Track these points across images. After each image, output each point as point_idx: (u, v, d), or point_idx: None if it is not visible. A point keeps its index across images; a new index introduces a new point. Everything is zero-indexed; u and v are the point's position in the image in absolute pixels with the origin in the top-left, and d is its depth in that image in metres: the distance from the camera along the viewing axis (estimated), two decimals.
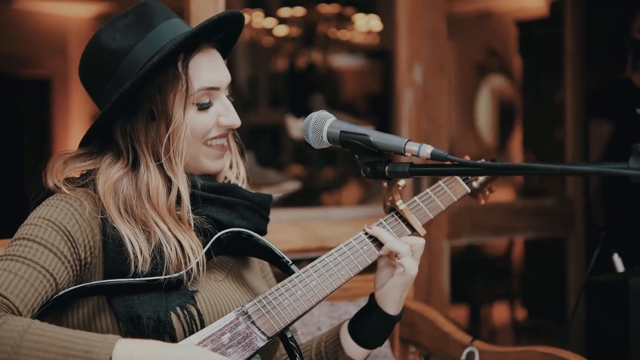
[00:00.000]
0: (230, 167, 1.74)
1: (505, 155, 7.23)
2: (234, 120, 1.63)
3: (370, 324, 1.67)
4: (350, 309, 2.35)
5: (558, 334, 4.65)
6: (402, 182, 1.64)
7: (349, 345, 1.69)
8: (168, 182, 1.57)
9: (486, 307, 5.85)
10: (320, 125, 1.55)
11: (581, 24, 3.95)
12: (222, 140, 1.65)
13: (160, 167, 1.57)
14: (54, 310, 1.47)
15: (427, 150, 1.44)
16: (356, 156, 1.55)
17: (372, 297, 1.67)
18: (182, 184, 1.56)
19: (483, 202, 1.86)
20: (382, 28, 6.33)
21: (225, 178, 1.73)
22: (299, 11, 6.01)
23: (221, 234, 1.58)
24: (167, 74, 1.56)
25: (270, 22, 6.11)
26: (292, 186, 4.60)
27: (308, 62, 6.63)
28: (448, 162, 1.44)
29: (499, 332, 5.80)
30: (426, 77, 3.15)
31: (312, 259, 1.62)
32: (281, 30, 6.24)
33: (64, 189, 1.54)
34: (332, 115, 1.57)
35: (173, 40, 1.54)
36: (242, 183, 1.73)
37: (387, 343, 2.38)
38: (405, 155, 1.48)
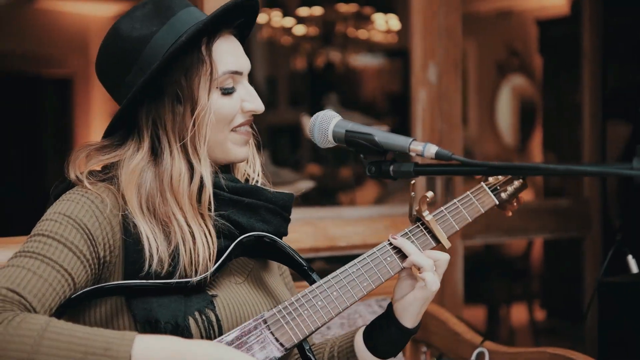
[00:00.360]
0: (247, 161, 1.73)
1: (525, 155, 7.19)
2: (258, 105, 1.63)
3: (386, 335, 1.64)
4: (360, 308, 2.35)
5: (575, 334, 4.62)
6: (430, 194, 1.64)
7: (363, 354, 1.67)
8: (191, 170, 1.55)
9: (504, 308, 5.83)
10: (325, 125, 1.55)
11: (599, 23, 3.92)
12: (247, 127, 1.64)
13: (184, 153, 1.56)
14: (70, 309, 1.46)
15: (431, 150, 1.44)
16: (361, 155, 1.54)
17: (389, 307, 1.65)
18: (205, 170, 1.55)
19: (510, 213, 1.84)
20: (401, 27, 6.32)
21: (245, 173, 1.72)
22: (317, 10, 6.02)
23: (243, 238, 1.57)
24: (192, 58, 1.55)
25: (289, 21, 6.12)
26: (306, 185, 4.60)
27: (326, 61, 6.63)
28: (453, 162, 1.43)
29: (517, 333, 5.77)
30: (441, 76, 3.14)
31: (322, 259, 1.63)
32: (299, 30, 6.25)
33: (85, 182, 1.52)
34: (337, 115, 1.57)
35: (197, 24, 1.53)
36: (258, 176, 1.72)
37: None
38: (411, 155, 1.48)
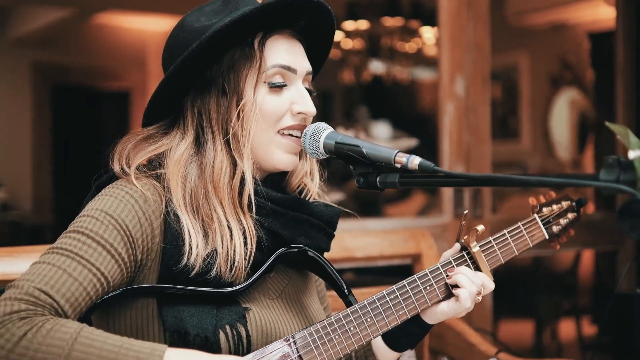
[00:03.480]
0: (307, 176, 1.68)
1: (579, 168, 7.09)
2: (308, 107, 1.57)
3: (405, 330, 1.64)
4: None
5: (624, 350, 4.52)
6: (480, 228, 1.63)
7: (379, 346, 1.68)
8: (233, 165, 1.51)
9: (553, 323, 5.74)
10: (317, 137, 1.56)
11: (631, 38, 3.88)
12: (297, 132, 1.58)
13: (227, 147, 1.52)
14: (100, 309, 1.43)
15: (415, 161, 1.46)
16: (351, 167, 1.56)
17: None
18: (247, 167, 1.51)
19: (558, 247, 1.81)
20: None
21: (302, 183, 1.67)
22: (363, 24, 6.05)
23: (286, 250, 1.55)
24: (242, 51, 1.53)
25: (337, 35, 6.17)
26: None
27: (373, 74, 6.65)
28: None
29: (565, 349, 5.68)
30: (468, 89, 3.15)
31: (338, 270, 1.63)
32: (347, 44, 6.30)
33: (132, 177, 1.47)
34: (329, 127, 1.59)
35: (243, 12, 1.48)
36: (315, 187, 1.68)
37: (414, 353, 2.40)
38: (395, 167, 1.49)
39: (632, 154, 1.18)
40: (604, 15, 6.10)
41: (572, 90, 7.23)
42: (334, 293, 1.60)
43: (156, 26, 7.59)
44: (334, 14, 1.63)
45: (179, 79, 1.52)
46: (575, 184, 1.28)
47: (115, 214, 1.43)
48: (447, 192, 3.13)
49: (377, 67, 6.47)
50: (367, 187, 1.56)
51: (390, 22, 5.94)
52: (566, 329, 5.75)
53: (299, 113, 1.57)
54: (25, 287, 1.32)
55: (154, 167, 1.54)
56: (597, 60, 5.85)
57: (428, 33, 6.12)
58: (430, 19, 6.14)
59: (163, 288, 1.44)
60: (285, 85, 1.56)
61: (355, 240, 2.41)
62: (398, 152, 1.50)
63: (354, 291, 1.62)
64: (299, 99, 1.57)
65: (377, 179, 1.54)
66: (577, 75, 6.99)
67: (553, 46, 7.15)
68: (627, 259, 3.76)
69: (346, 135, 1.58)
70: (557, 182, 1.31)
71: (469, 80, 3.15)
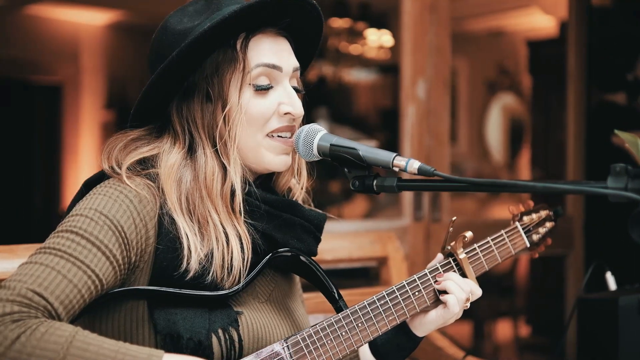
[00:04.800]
0: (294, 175, 1.67)
1: (513, 172, 7.25)
2: (295, 108, 1.54)
3: (394, 343, 1.65)
4: None
5: (556, 350, 4.65)
6: (468, 234, 1.64)
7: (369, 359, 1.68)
8: (224, 170, 1.49)
9: (490, 324, 5.85)
10: (311, 138, 1.54)
11: (581, 45, 3.99)
12: (286, 133, 1.55)
13: (217, 152, 1.49)
14: (89, 311, 1.39)
15: (414, 165, 1.45)
16: (345, 170, 1.54)
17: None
18: (235, 172, 1.48)
19: (537, 255, 1.85)
20: (394, 43, 6.37)
21: (288, 183, 1.66)
22: None
23: (279, 252, 1.53)
24: (225, 54, 1.49)
25: None
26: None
27: (319, 75, 6.66)
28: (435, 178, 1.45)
29: (502, 349, 5.80)
30: (429, 93, 3.18)
31: None
32: None
33: (124, 176, 1.44)
34: (323, 129, 1.57)
35: (223, 14, 1.46)
36: (302, 189, 1.67)
37: None
38: (394, 170, 1.49)
39: None
40: (541, 23, 6.26)
41: (508, 95, 7.38)
42: (311, 294, 1.58)
43: (90, 19, 7.39)
44: (319, 8, 1.59)
45: (162, 86, 1.49)
46: (583, 192, 1.29)
47: (110, 214, 1.39)
48: (407, 195, 3.14)
49: (325, 68, 6.48)
50: (363, 190, 1.54)
51: (338, 23, 5.95)
52: (503, 330, 5.87)
53: (286, 114, 1.54)
54: (18, 288, 1.27)
55: (147, 167, 1.49)
56: (535, 67, 6.01)
57: (373, 35, 6.16)
58: (378, 22, 6.18)
59: (156, 290, 1.40)
60: (271, 87, 1.53)
61: (324, 242, 2.39)
62: (396, 155, 1.49)
63: (315, 294, 1.65)
64: (286, 99, 1.54)
65: (374, 183, 1.52)
66: (514, 81, 7.15)
67: (491, 52, 7.29)
68: (577, 263, 3.86)
69: (341, 138, 1.56)
70: (565, 189, 1.32)
71: (430, 84, 3.17)
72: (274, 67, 1.52)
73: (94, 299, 1.35)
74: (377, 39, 6.19)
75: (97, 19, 7.17)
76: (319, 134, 1.55)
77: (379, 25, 6.21)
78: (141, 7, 6.62)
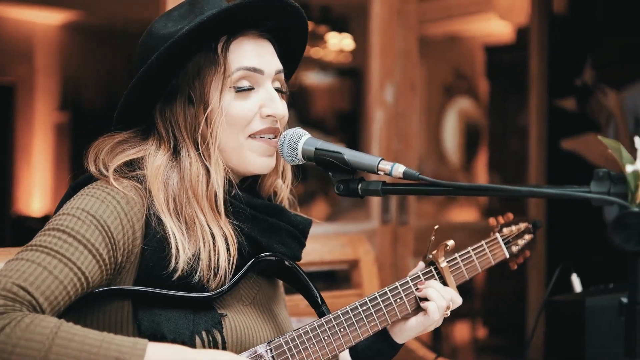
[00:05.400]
0: (280, 177, 1.68)
1: (470, 175, 7.34)
2: (277, 109, 1.55)
3: (375, 348, 1.68)
4: None
5: (516, 352, 4.72)
6: (450, 243, 1.67)
7: None
8: (208, 172, 1.50)
9: (448, 325, 5.91)
10: (295, 143, 1.55)
11: (544, 50, 4.07)
12: (269, 135, 1.57)
13: (200, 154, 1.51)
14: (73, 310, 1.38)
15: (399, 169, 1.47)
16: (330, 173, 1.56)
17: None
18: (217, 174, 1.49)
19: (515, 267, 1.88)
20: (355, 47, 6.39)
21: (273, 186, 1.67)
22: None
23: (264, 257, 1.54)
24: (206, 57, 1.51)
25: None
26: None
27: None
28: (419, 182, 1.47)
29: (460, 351, 5.86)
30: (397, 96, 3.20)
31: None
32: None
33: (111, 178, 1.45)
34: (307, 133, 1.58)
35: (201, 17, 1.46)
36: (287, 189, 1.68)
37: None
38: (378, 174, 1.50)
39: (629, 168, 1.22)
40: (498, 29, 6.35)
41: (465, 99, 7.47)
42: (293, 297, 1.59)
43: (45, 19, 7.26)
44: (302, 10, 1.61)
45: (144, 90, 1.50)
46: (567, 196, 1.32)
47: (97, 214, 1.39)
48: (375, 198, 3.16)
49: None
50: (348, 194, 1.56)
51: None
52: (461, 331, 5.94)
53: (268, 116, 1.55)
54: (3, 282, 1.27)
55: (133, 169, 1.50)
56: (492, 72, 6.10)
57: (334, 39, 6.17)
58: (339, 25, 6.19)
59: (140, 291, 1.41)
60: (252, 89, 1.54)
61: None
62: (381, 159, 1.51)
63: (289, 297, 1.68)
64: (267, 102, 1.55)
65: (359, 187, 1.54)
66: (471, 86, 7.24)
67: (448, 57, 7.37)
68: (538, 266, 3.93)
69: (325, 142, 1.57)
70: (550, 193, 1.34)
71: (398, 88, 3.20)
72: (254, 70, 1.54)
73: (80, 296, 1.36)
74: (338, 43, 6.21)
75: (51, 18, 7.04)
76: (304, 138, 1.57)
77: (340, 29, 6.23)
78: (97, 7, 6.53)
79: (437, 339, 5.74)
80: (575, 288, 2.45)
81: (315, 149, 1.55)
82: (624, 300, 1.80)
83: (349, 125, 7.15)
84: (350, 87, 7.31)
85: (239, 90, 1.52)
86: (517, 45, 5.59)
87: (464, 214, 6.73)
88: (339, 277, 3.72)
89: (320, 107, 7.82)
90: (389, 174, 1.48)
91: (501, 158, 5.84)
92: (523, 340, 4.46)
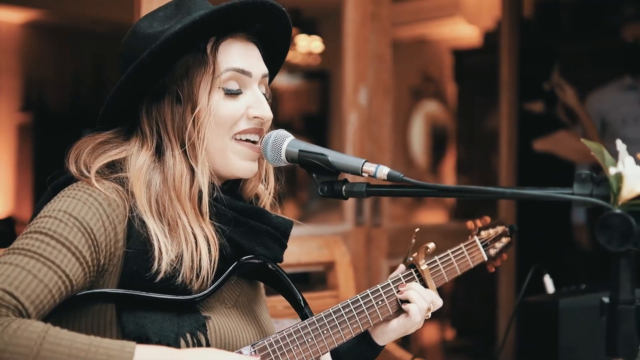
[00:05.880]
0: (262, 181, 1.67)
1: (437, 178, 7.40)
2: (264, 111, 1.55)
3: (357, 351, 1.68)
4: None
5: (485, 353, 4.77)
6: (431, 246, 1.68)
7: None
8: (192, 172, 1.49)
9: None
10: (279, 144, 1.55)
11: (514, 54, 4.13)
12: (254, 136, 1.56)
13: (185, 154, 1.50)
14: (56, 313, 1.36)
15: (383, 171, 1.48)
16: (313, 175, 1.56)
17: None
18: (203, 174, 1.49)
19: (493, 269, 1.90)
20: (324, 49, 6.41)
21: (255, 189, 1.66)
22: None
23: (247, 259, 1.54)
24: (195, 57, 1.50)
25: None
26: None
27: None
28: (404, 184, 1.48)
29: (428, 352, 5.90)
30: (371, 99, 3.22)
31: None
32: None
33: (93, 179, 1.43)
34: (290, 135, 1.58)
35: (194, 17, 1.46)
36: (270, 195, 1.68)
37: None
38: (362, 176, 1.51)
39: (612, 171, 1.24)
40: (465, 33, 6.42)
41: (432, 103, 7.53)
42: (273, 298, 1.59)
43: (7, 18, 7.15)
44: (288, 16, 1.62)
45: (131, 87, 1.49)
46: (550, 198, 1.34)
47: (80, 216, 1.38)
48: (349, 200, 3.17)
49: None
50: (332, 195, 1.56)
51: None
52: (429, 333, 5.98)
53: (254, 117, 1.55)
54: None
55: (115, 170, 1.49)
56: (460, 75, 6.17)
57: (303, 41, 6.19)
58: (308, 28, 6.21)
59: (124, 294, 1.40)
60: (240, 92, 1.54)
61: None
62: (365, 161, 1.52)
63: (267, 299, 1.68)
64: (255, 104, 1.55)
65: (343, 188, 1.54)
66: (438, 89, 7.30)
67: (416, 60, 7.43)
68: (508, 267, 3.97)
69: (309, 144, 1.58)
70: (531, 194, 1.36)
71: (372, 91, 3.21)
72: (243, 72, 1.54)
73: (64, 299, 1.34)
74: (307, 45, 6.22)
75: (14, 17, 6.94)
76: (287, 139, 1.57)
77: (310, 32, 6.24)
78: (59, 6, 6.45)
79: (405, 339, 5.77)
80: (547, 289, 2.48)
81: (299, 150, 1.55)
82: (605, 300, 1.82)
83: (314, 127, 7.16)
84: (318, 89, 7.33)
85: (227, 92, 1.52)
86: (485, 49, 5.67)
87: (432, 215, 6.78)
88: (312, 278, 3.72)
89: (287, 109, 7.82)
90: (373, 176, 1.49)
91: (469, 161, 5.89)
92: (492, 341, 4.50)
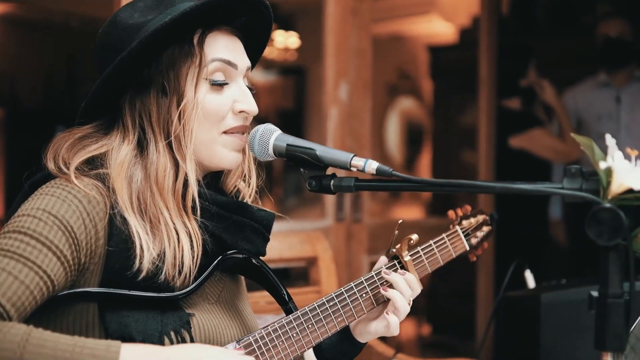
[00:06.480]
0: (244, 179, 1.66)
1: (412, 174, 7.44)
2: (250, 105, 1.54)
3: (339, 348, 1.68)
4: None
5: (463, 349, 4.79)
6: (414, 237, 1.67)
7: None
8: (176, 166, 1.47)
9: None
10: (266, 138, 1.54)
11: (493, 51, 4.15)
12: (241, 132, 1.56)
13: (170, 148, 1.47)
14: (39, 313, 1.34)
15: (372, 165, 1.47)
16: (301, 169, 1.55)
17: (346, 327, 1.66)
18: (190, 169, 1.47)
19: (475, 259, 1.90)
20: (300, 45, 6.40)
21: (236, 185, 1.65)
22: None
23: (230, 254, 1.53)
24: (181, 49, 1.49)
25: None
26: None
27: None
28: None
29: (405, 347, 5.93)
30: (351, 95, 3.22)
31: None
32: None
33: (72, 176, 1.40)
34: (277, 129, 1.57)
35: (184, 10, 1.45)
36: (252, 190, 1.66)
37: None
38: (351, 170, 1.50)
39: (602, 165, 1.25)
40: (441, 29, 6.45)
41: (408, 99, 7.56)
42: (255, 293, 1.58)
43: None
44: (270, 9, 1.62)
45: (117, 79, 1.47)
46: (540, 192, 1.34)
47: (59, 214, 1.35)
48: (329, 196, 3.17)
49: None
50: (320, 190, 1.55)
51: None
52: (405, 328, 6.00)
53: (241, 112, 1.54)
54: None
55: (95, 166, 1.46)
56: (436, 72, 6.19)
57: (280, 37, 6.17)
58: (286, 24, 6.20)
59: (107, 292, 1.38)
60: (226, 84, 1.53)
61: None
62: (354, 156, 1.51)
63: (249, 294, 1.68)
64: (240, 97, 1.54)
65: (331, 183, 1.54)
66: (414, 86, 7.32)
67: (392, 56, 7.44)
68: (487, 263, 4.00)
69: (297, 138, 1.57)
70: (522, 189, 1.36)
71: (352, 86, 3.21)
72: (229, 63, 1.53)
73: (46, 299, 1.32)
74: (284, 41, 6.21)
75: None
76: (275, 133, 1.56)
77: (287, 27, 6.23)
78: (33, 0, 6.37)
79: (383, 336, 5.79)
80: (528, 284, 2.49)
81: (287, 145, 1.54)
82: (594, 293, 1.83)
83: (292, 123, 7.15)
84: (294, 85, 7.32)
85: (213, 83, 1.50)
86: (461, 46, 5.70)
87: (409, 211, 6.80)
88: (293, 274, 3.71)
89: (262, 105, 7.78)
90: (362, 170, 1.48)
91: (444, 157, 5.92)
92: (469, 337, 4.52)
